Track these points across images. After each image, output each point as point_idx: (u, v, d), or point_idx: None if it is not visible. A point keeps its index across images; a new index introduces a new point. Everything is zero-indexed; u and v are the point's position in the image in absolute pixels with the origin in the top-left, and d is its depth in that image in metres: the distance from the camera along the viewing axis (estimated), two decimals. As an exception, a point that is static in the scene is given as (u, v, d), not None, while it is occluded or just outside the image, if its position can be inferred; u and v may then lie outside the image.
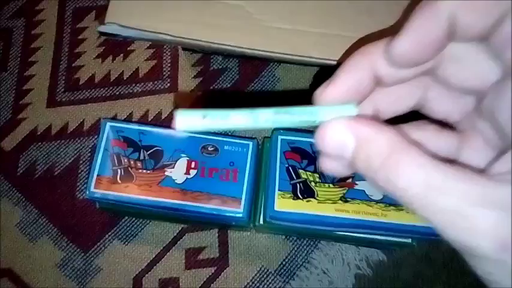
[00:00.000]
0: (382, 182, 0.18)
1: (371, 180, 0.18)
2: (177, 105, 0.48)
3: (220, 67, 0.50)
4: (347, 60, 0.21)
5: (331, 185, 0.37)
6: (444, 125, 0.23)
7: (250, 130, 0.47)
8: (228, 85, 0.49)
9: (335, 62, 0.36)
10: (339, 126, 0.19)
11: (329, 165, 0.21)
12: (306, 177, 0.37)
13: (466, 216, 0.16)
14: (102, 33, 0.35)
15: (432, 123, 0.23)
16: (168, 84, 0.49)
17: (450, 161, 0.20)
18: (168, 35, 0.35)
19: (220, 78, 0.49)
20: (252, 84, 0.49)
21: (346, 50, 0.35)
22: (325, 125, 0.19)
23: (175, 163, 0.39)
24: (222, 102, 0.46)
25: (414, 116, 0.23)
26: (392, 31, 0.19)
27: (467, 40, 0.19)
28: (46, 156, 0.47)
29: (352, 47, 0.36)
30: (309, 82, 0.49)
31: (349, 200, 0.36)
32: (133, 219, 0.45)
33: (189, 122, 0.18)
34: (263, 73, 0.50)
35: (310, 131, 0.43)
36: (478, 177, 0.16)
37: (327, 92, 0.21)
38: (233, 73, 0.50)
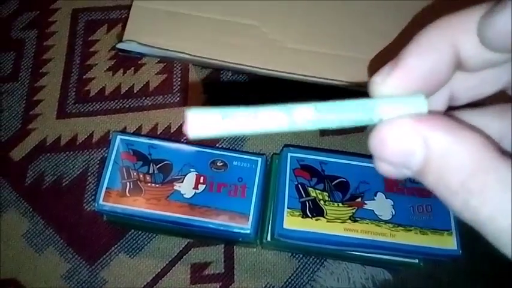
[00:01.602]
0: (459, 206, 0.14)
1: (443, 200, 0.15)
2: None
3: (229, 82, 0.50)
4: (417, 37, 0.16)
5: (340, 204, 0.37)
6: None
7: (260, 145, 0.48)
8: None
9: (345, 83, 0.36)
10: (405, 128, 0.15)
11: (387, 170, 0.17)
12: (315, 195, 0.37)
13: None
14: (118, 50, 0.36)
15: None
16: (178, 98, 0.50)
17: None
18: (184, 53, 0.36)
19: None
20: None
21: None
22: (386, 125, 0.15)
23: (184, 177, 0.39)
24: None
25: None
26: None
27: None
28: (54, 167, 0.47)
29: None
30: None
31: (358, 219, 0.36)
32: (140, 232, 0.45)
33: (205, 124, 0.14)
34: (272, 89, 0.50)
35: (319, 148, 0.43)
36: None
37: (391, 78, 0.16)
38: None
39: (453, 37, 0.15)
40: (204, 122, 0.14)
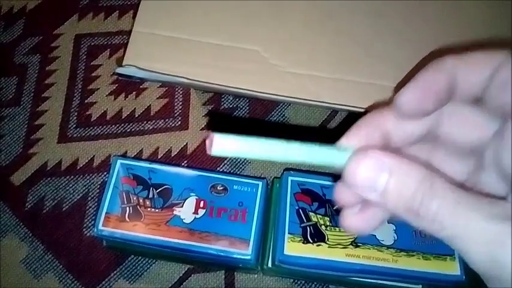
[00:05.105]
0: (413, 219, 0.19)
1: (400, 213, 0.20)
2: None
3: (230, 106, 0.50)
4: (364, 117, 0.24)
5: (342, 229, 0.37)
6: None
7: (260, 169, 0.47)
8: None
9: (346, 107, 0.36)
10: (373, 158, 0.20)
11: (345, 197, 0.23)
12: (316, 220, 0.37)
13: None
14: (119, 74, 0.36)
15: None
16: (179, 122, 0.50)
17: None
18: (185, 78, 0.36)
19: (230, 117, 0.50)
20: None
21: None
22: (359, 156, 0.20)
23: (184, 202, 0.39)
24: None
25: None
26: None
27: (466, 97, 0.21)
28: (55, 191, 0.47)
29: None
30: (318, 122, 0.49)
31: (360, 244, 0.36)
32: (139, 258, 0.44)
33: (224, 145, 0.19)
34: (272, 113, 0.50)
35: (320, 172, 0.43)
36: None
37: (349, 140, 0.23)
38: (243, 112, 0.50)
39: (382, 118, 0.23)
40: (223, 144, 0.19)
